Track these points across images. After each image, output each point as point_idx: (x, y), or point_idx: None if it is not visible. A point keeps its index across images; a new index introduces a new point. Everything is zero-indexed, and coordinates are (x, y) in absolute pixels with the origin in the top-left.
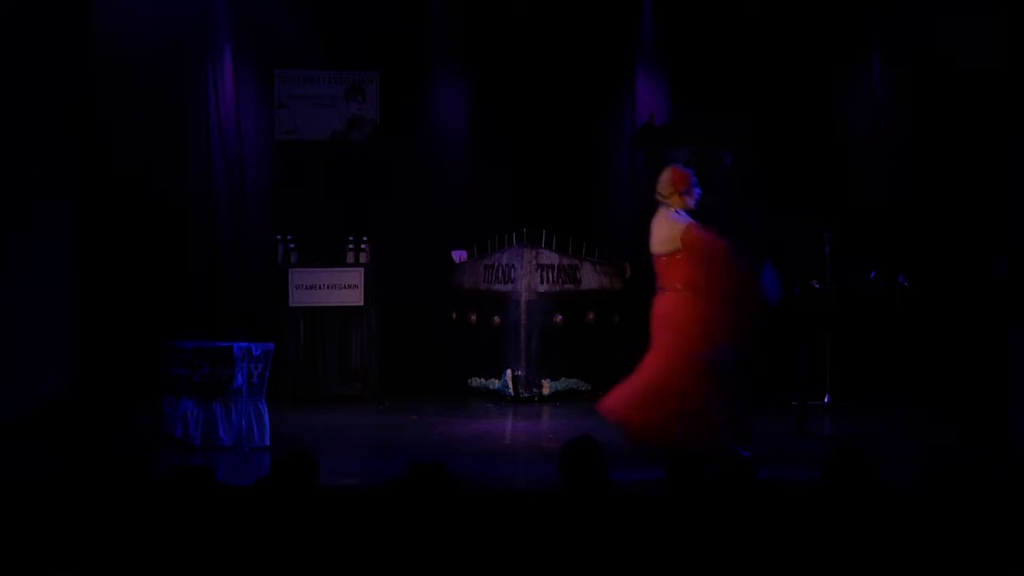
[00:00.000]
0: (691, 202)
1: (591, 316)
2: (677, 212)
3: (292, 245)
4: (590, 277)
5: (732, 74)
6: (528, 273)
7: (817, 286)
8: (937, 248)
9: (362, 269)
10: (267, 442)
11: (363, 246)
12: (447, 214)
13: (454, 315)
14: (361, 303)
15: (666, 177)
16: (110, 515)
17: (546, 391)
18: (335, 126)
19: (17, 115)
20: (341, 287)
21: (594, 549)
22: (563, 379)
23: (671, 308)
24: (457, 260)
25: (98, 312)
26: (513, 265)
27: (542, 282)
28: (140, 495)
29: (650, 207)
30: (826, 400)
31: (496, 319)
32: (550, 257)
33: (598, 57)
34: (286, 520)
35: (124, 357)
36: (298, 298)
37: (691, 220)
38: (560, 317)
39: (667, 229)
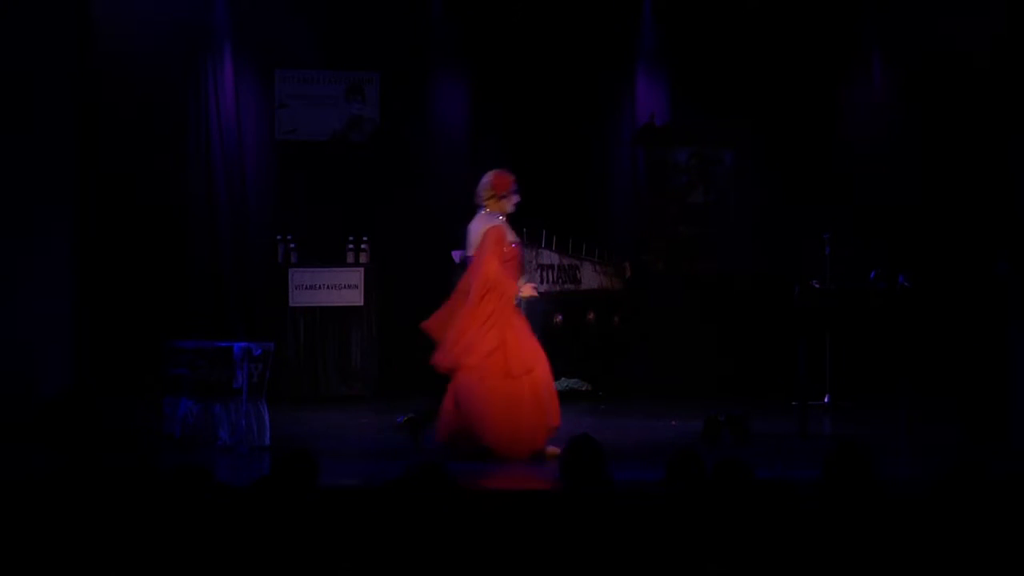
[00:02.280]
0: (508, 207)
1: (591, 316)
2: (491, 215)
3: (292, 245)
4: (590, 277)
5: (732, 74)
6: (528, 273)
7: (817, 286)
8: (937, 248)
9: (362, 269)
10: (267, 442)
11: (363, 246)
12: (447, 214)
13: None
14: (361, 303)
15: (487, 180)
16: (109, 515)
17: None
18: (335, 126)
19: (17, 115)
20: (341, 287)
21: (594, 549)
22: (563, 379)
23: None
24: (457, 260)
25: (98, 312)
26: None
27: (542, 282)
28: (140, 495)
29: (651, 207)
30: (826, 400)
31: None
32: (550, 257)
33: (598, 57)
34: (285, 520)
35: (124, 357)
36: (298, 298)
37: (499, 223)
38: (560, 317)
39: (477, 231)
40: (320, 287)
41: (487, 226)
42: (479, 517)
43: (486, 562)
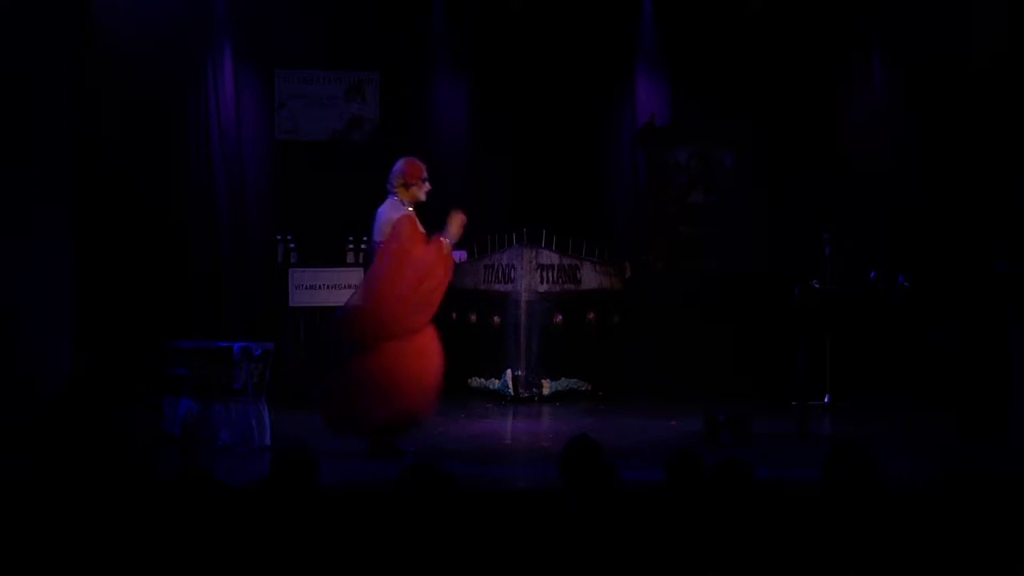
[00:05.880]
0: (420, 195)
1: (591, 316)
2: (402, 203)
3: (292, 245)
4: (590, 277)
5: (732, 74)
6: (528, 273)
7: (817, 286)
8: (937, 248)
9: (362, 269)
10: (267, 442)
11: (363, 246)
12: (447, 214)
13: (454, 315)
14: None
15: (398, 167)
16: (109, 515)
17: (546, 391)
18: (335, 126)
19: (17, 115)
20: (341, 287)
21: (594, 549)
22: (563, 379)
23: None
24: (457, 260)
25: (98, 312)
26: (513, 265)
27: (542, 282)
28: (140, 495)
29: (651, 207)
30: (826, 400)
31: (496, 319)
32: (550, 257)
33: (598, 57)
34: (285, 520)
35: (124, 357)
36: (298, 298)
37: (410, 212)
38: (560, 317)
39: (386, 218)
40: (320, 287)
41: (398, 214)
42: (478, 517)
43: (485, 562)
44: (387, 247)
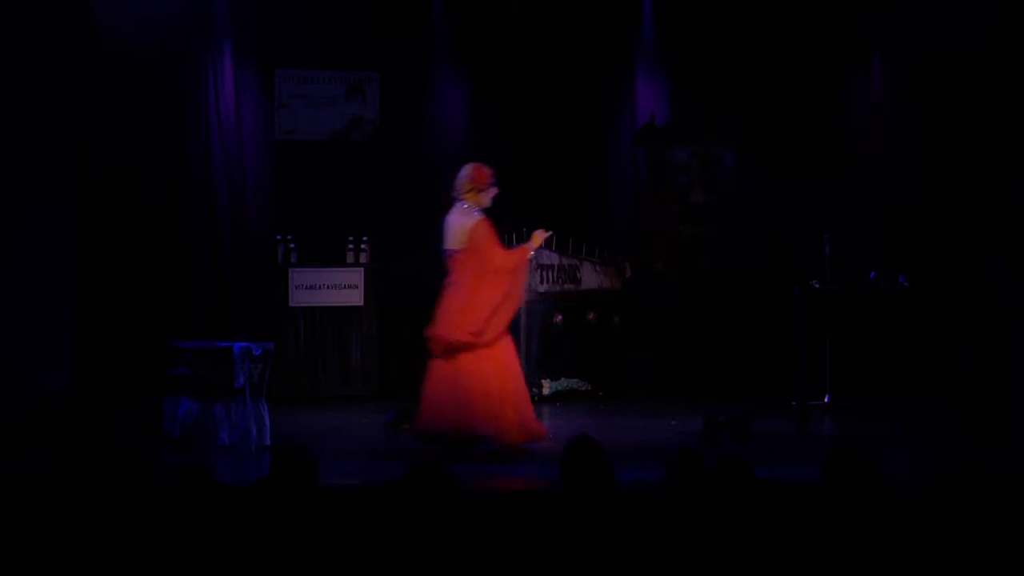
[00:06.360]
0: (486, 200)
1: (591, 316)
2: (469, 208)
3: (292, 245)
4: (590, 277)
5: (732, 74)
6: (528, 273)
7: (817, 286)
8: (937, 248)
9: (362, 269)
10: (267, 442)
11: (363, 246)
12: (447, 214)
13: None
14: (361, 303)
15: (465, 173)
16: (109, 515)
17: (546, 391)
18: (335, 126)
19: (17, 115)
20: (341, 287)
21: (594, 549)
22: (563, 379)
23: None
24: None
25: (98, 312)
26: None
27: (542, 282)
28: (140, 495)
29: (651, 207)
30: (826, 400)
31: None
32: (550, 257)
33: (598, 57)
34: (285, 520)
35: (124, 357)
36: (298, 298)
37: (483, 217)
38: (560, 317)
39: (458, 225)
40: (320, 287)
41: (473, 221)
42: (479, 517)
43: (485, 562)
44: (467, 259)
